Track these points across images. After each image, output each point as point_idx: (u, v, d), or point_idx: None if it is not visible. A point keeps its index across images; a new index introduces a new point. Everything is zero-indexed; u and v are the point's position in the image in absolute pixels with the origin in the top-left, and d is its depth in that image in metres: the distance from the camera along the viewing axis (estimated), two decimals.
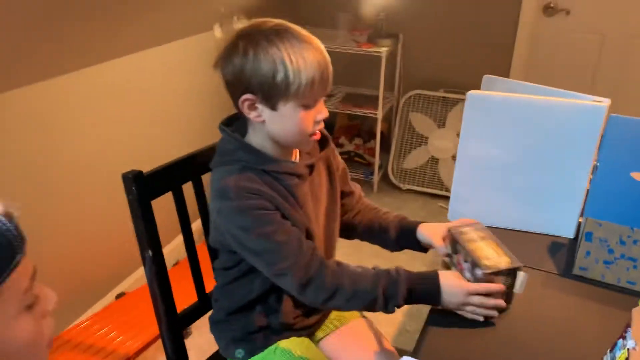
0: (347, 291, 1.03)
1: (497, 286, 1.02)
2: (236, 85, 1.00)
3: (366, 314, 1.28)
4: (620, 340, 0.90)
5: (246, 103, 1.00)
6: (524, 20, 3.03)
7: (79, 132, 1.94)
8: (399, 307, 1.05)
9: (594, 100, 1.21)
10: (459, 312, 1.04)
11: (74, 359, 1.85)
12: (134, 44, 2.10)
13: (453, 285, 1.03)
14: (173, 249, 2.28)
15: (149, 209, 1.16)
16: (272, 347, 1.15)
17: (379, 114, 3.07)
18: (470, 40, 3.16)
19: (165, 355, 1.27)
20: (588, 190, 1.30)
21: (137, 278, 2.32)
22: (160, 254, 1.20)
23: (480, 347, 1.00)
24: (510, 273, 1.02)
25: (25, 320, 0.56)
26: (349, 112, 3.19)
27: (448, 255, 1.13)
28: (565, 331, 1.04)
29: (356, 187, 1.30)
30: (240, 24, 1.00)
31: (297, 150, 1.12)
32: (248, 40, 0.96)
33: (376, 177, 3.29)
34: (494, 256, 1.03)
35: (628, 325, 0.90)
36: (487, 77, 1.40)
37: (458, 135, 3.16)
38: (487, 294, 1.02)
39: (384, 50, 2.95)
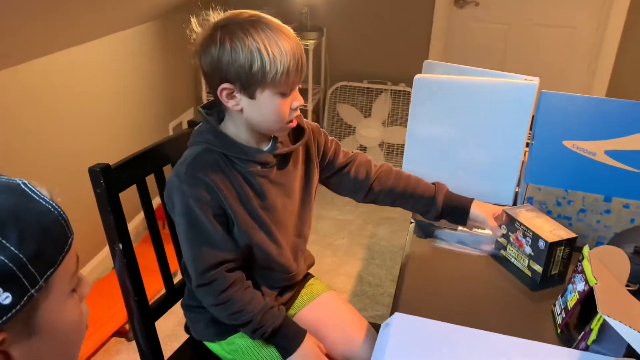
0: (234, 308, 1.09)
1: None
2: (214, 75, 1.02)
3: (334, 287, 1.34)
4: (570, 285, 1.02)
5: (224, 92, 1.03)
6: (438, 13, 3.22)
7: (19, 128, 1.86)
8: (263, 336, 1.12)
9: (526, 79, 1.35)
10: None
11: None
12: (69, 40, 2.04)
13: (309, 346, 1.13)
14: None
15: (117, 202, 1.16)
16: None
17: (309, 106, 3.14)
18: (390, 33, 3.31)
19: (137, 347, 1.27)
20: (523, 161, 1.44)
21: (92, 268, 2.30)
22: (130, 246, 1.20)
23: (450, 302, 1.09)
24: (568, 243, 1.13)
25: (73, 302, 0.58)
26: None
27: (503, 236, 1.23)
28: (517, 285, 1.16)
29: (356, 156, 1.30)
30: (215, 15, 1.03)
31: (272, 140, 1.15)
32: (224, 31, 0.99)
33: None
34: (552, 229, 1.15)
35: (575, 272, 1.03)
36: (427, 62, 1.50)
37: (383, 124, 3.35)
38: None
39: (310, 44, 3.03)
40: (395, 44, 3.32)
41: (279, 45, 0.98)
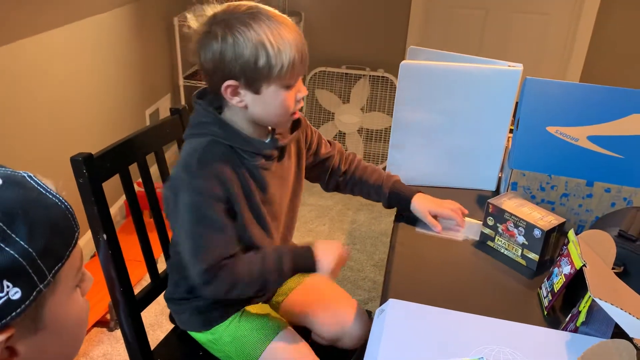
0: (245, 281, 1.05)
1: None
2: (217, 72, 0.99)
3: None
4: (556, 268, 1.04)
5: (229, 89, 1.00)
6: None
7: None
8: (287, 278, 1.10)
9: (509, 65, 1.36)
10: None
11: None
12: (40, 24, 1.97)
13: (327, 243, 1.11)
14: None
15: (100, 191, 1.14)
16: (237, 314, 1.19)
17: None
18: (368, 18, 3.30)
19: (123, 338, 1.25)
20: (507, 147, 1.46)
21: None
22: (114, 236, 1.17)
23: (439, 287, 1.10)
24: (559, 228, 1.15)
25: (78, 297, 0.57)
26: None
27: (490, 227, 1.23)
28: (504, 269, 1.17)
29: (334, 146, 1.32)
30: (212, 8, 0.99)
31: (271, 132, 1.13)
32: (224, 26, 0.96)
33: None
34: (541, 217, 1.16)
35: (561, 255, 1.05)
36: (412, 48, 1.50)
37: (362, 109, 3.35)
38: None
39: None
40: (374, 29, 3.31)
41: (282, 38, 0.96)
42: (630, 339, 0.79)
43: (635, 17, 3.06)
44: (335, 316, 1.27)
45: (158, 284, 1.32)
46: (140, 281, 2.17)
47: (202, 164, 1.01)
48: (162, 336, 1.35)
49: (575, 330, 0.92)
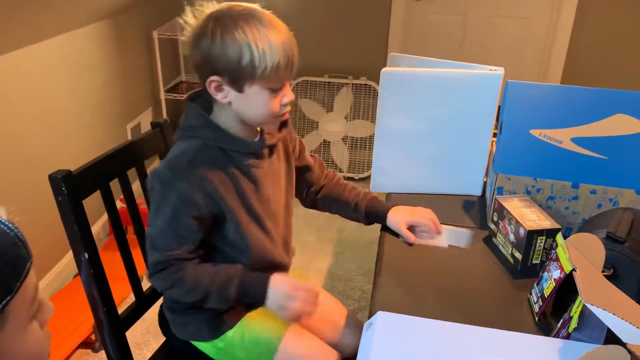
0: (186, 288, 1.07)
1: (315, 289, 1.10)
2: (204, 67, 1.02)
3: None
4: (546, 273, 1.03)
5: (213, 84, 1.02)
6: (396, 6, 3.23)
7: None
8: (230, 301, 1.10)
9: (491, 69, 1.36)
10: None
11: None
12: (18, 40, 1.94)
13: (280, 280, 1.09)
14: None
15: (81, 209, 1.11)
16: (243, 319, 1.18)
17: None
18: (349, 27, 3.30)
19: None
20: (491, 151, 1.46)
21: (52, 277, 2.21)
22: (96, 255, 1.15)
23: (427, 296, 1.09)
24: (550, 233, 1.13)
25: (33, 329, 0.54)
26: None
27: (494, 223, 1.25)
28: (494, 273, 1.16)
29: (315, 160, 1.34)
30: (210, 6, 1.02)
31: (260, 132, 1.14)
32: (216, 24, 0.98)
33: None
34: (536, 219, 1.15)
35: (550, 260, 1.04)
36: (392, 55, 1.50)
37: (346, 118, 3.34)
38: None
39: None
40: (355, 38, 3.32)
41: (269, 40, 0.97)
42: (623, 344, 0.78)
43: (611, 19, 3.10)
44: (329, 324, 1.28)
45: (143, 302, 1.29)
46: (126, 299, 2.13)
47: (190, 168, 1.03)
48: (148, 355, 1.32)
49: (568, 337, 0.91)
